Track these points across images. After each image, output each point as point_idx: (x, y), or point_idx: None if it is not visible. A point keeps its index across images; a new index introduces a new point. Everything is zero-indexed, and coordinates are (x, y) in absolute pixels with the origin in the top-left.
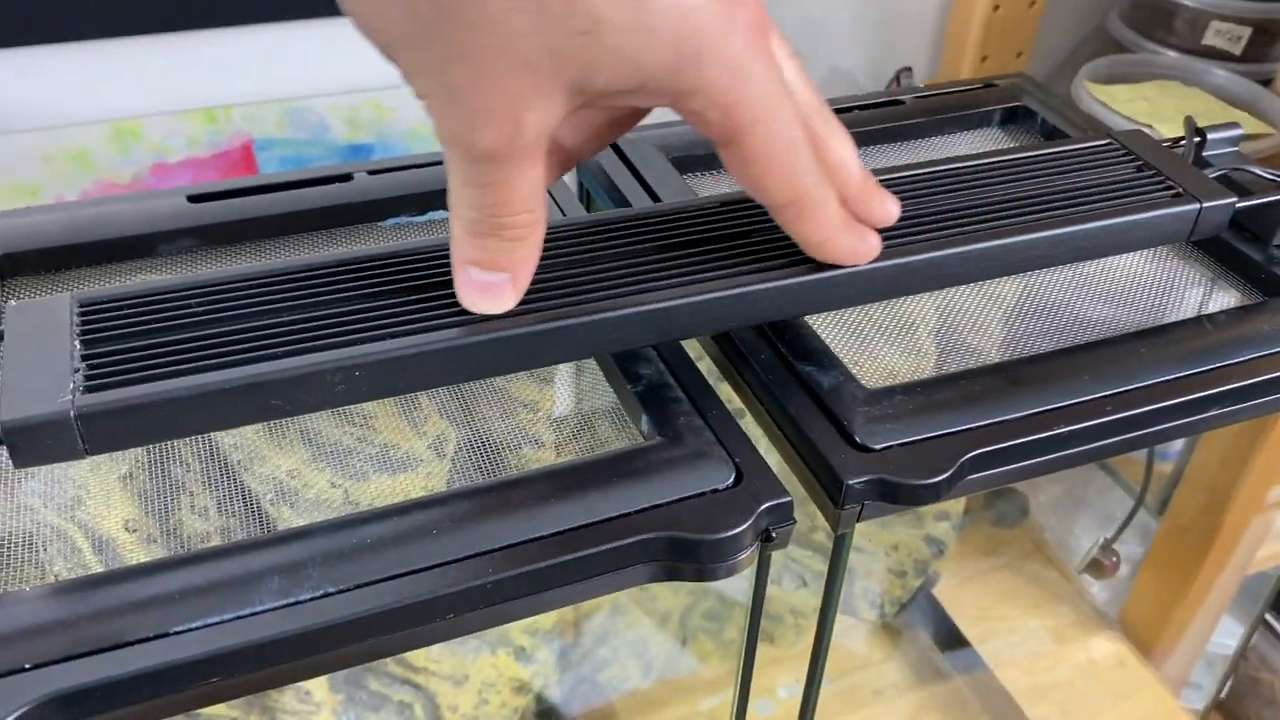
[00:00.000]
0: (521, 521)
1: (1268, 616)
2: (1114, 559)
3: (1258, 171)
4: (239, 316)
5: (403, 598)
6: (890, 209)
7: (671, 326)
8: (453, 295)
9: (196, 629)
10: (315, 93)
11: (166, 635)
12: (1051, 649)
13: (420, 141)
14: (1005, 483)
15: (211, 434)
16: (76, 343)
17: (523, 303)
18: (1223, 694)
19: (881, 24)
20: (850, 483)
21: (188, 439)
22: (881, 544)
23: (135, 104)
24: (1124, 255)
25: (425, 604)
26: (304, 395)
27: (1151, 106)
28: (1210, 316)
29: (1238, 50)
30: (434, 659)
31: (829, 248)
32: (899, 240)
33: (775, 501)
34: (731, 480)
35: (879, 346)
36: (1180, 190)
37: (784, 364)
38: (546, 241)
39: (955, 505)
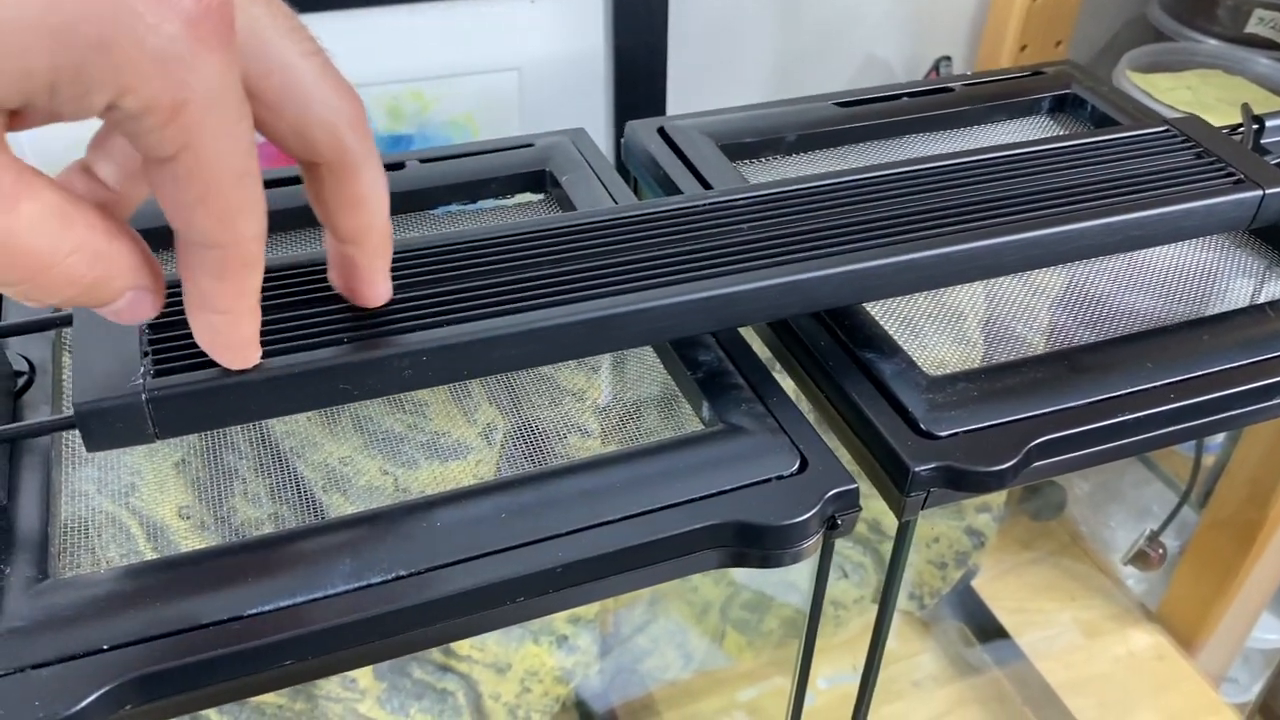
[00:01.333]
0: (589, 505)
1: None
2: (1160, 550)
3: None
4: (304, 302)
5: (474, 581)
6: (387, 293)
7: (730, 313)
8: (518, 280)
9: (270, 611)
10: (357, 83)
11: (241, 618)
12: (1089, 641)
13: (461, 132)
14: (1071, 470)
15: (266, 423)
16: (145, 327)
17: (583, 290)
18: (1251, 688)
19: (918, 13)
20: (917, 470)
21: (242, 425)
22: (922, 536)
23: None
24: (1183, 244)
25: (496, 587)
26: (370, 379)
27: (1195, 95)
28: (1273, 304)
29: None
30: (477, 647)
31: (225, 321)
32: (956, 228)
33: (841, 488)
34: (796, 467)
35: (932, 335)
36: (1242, 177)
37: (844, 351)
38: (604, 229)
39: (997, 497)
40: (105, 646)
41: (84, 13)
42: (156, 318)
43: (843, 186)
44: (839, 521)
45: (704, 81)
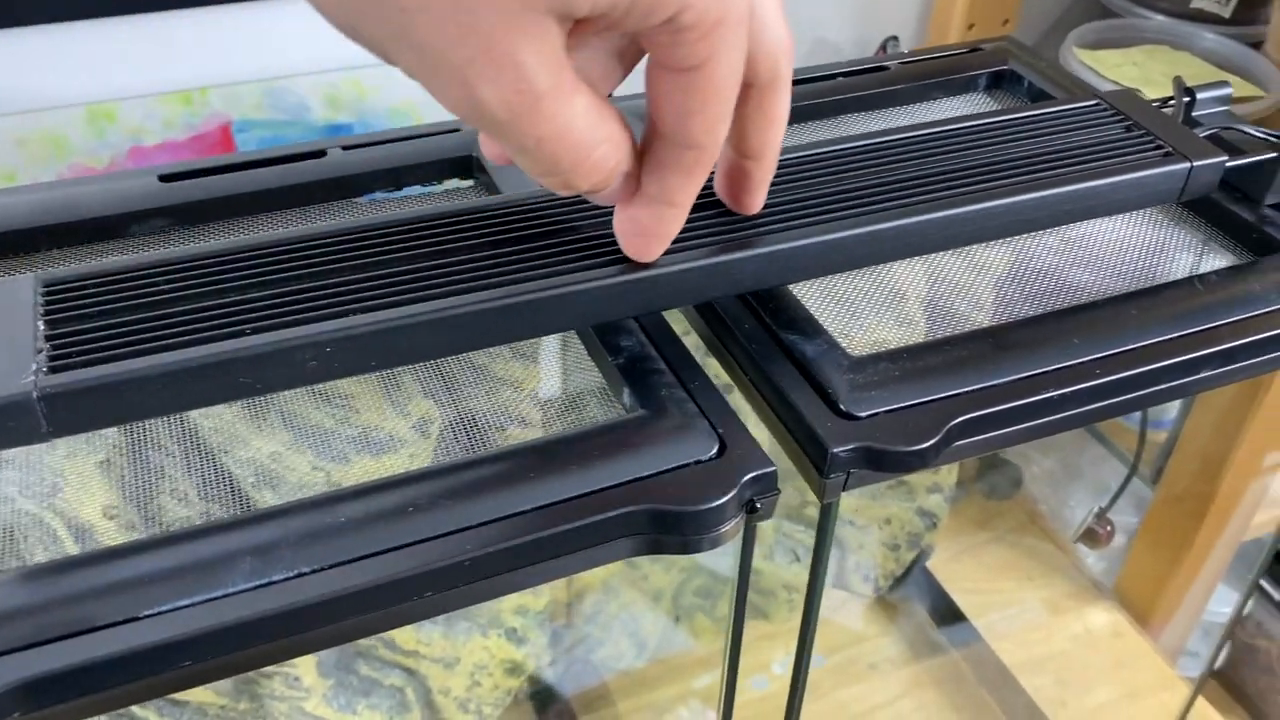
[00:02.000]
0: (500, 497)
1: (1264, 583)
2: (1109, 528)
3: (1248, 130)
4: (206, 294)
5: (378, 576)
6: (759, 205)
7: (649, 297)
8: (428, 267)
9: (165, 612)
10: (294, 72)
11: (136, 619)
12: (1047, 620)
13: (403, 119)
14: (994, 448)
15: (190, 418)
16: (40, 323)
17: (496, 276)
18: (1219, 662)
19: None
20: (836, 451)
21: (166, 423)
22: (874, 518)
23: (111, 87)
24: (1113, 218)
25: (402, 582)
26: (273, 372)
27: (1141, 71)
28: (1201, 277)
29: (1226, 13)
30: (424, 642)
31: (671, 216)
32: (882, 206)
33: (759, 471)
34: (715, 451)
35: (867, 316)
36: (1170, 150)
37: (768, 333)
38: (509, 216)
39: (947, 477)
40: None
41: None
42: (51, 313)
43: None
44: (758, 505)
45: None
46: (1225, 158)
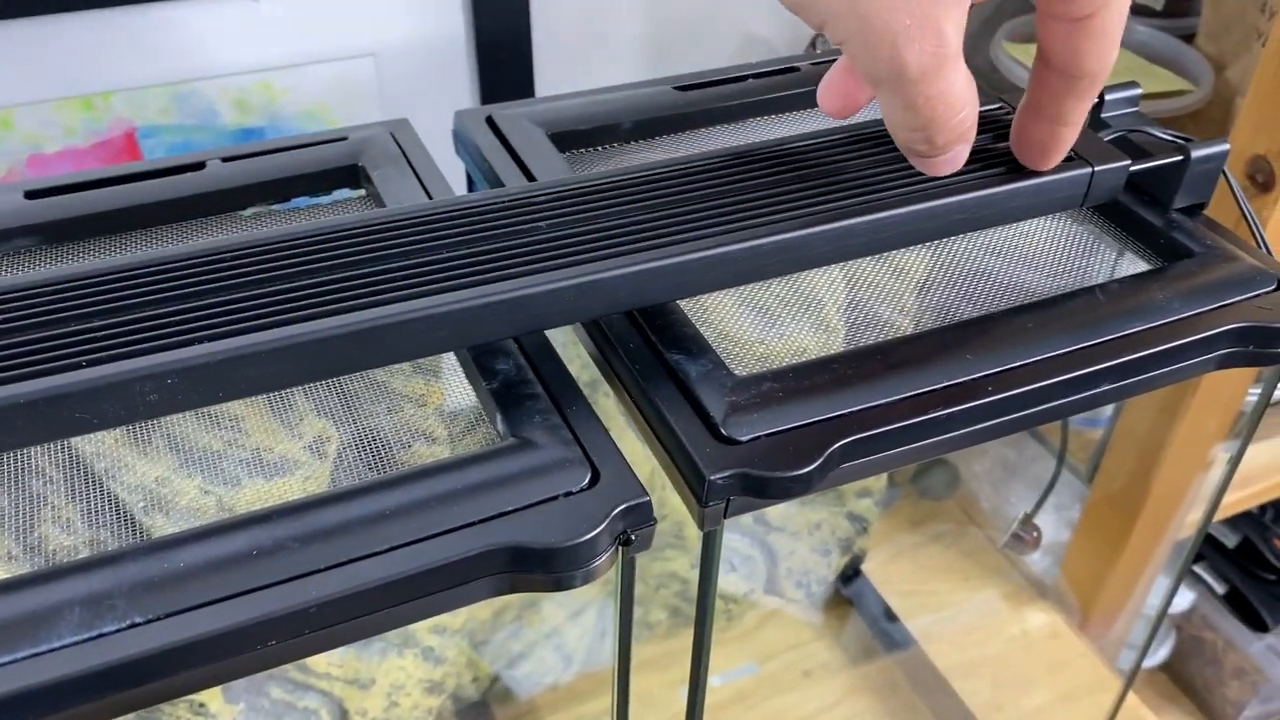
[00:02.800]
0: (353, 536)
1: (1207, 577)
2: (1034, 534)
3: (1155, 133)
4: (37, 325)
5: (216, 626)
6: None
7: (524, 317)
8: (287, 290)
9: None
10: (202, 75)
11: None
12: (983, 622)
13: (316, 123)
14: (880, 470)
15: (71, 442)
16: None
17: (358, 298)
18: (1165, 656)
19: None
20: (713, 478)
21: (45, 449)
22: (803, 524)
23: (5, 93)
24: (1025, 223)
25: (240, 632)
26: (110, 407)
27: None
28: (1104, 286)
29: (1159, 5)
30: (335, 663)
31: (1066, 134)
32: (768, 218)
33: (632, 502)
34: (586, 482)
35: (759, 331)
36: (1072, 155)
37: (653, 352)
38: (391, 230)
39: (877, 481)
40: None
41: None
42: None
43: (650, 178)
44: (633, 537)
45: (575, 63)
46: (1128, 162)
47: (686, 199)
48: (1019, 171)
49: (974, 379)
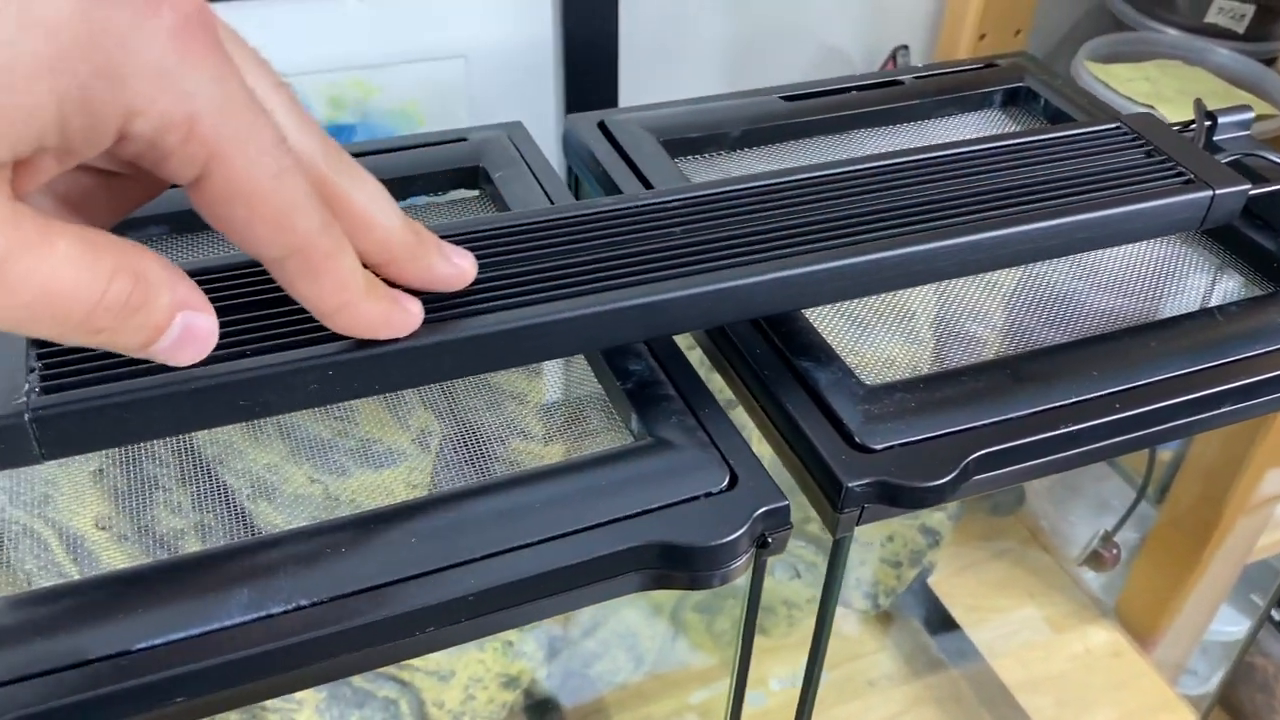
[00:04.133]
0: (505, 528)
1: (1259, 601)
2: (1114, 551)
3: (1271, 157)
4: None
5: (380, 611)
6: (461, 265)
7: (658, 322)
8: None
9: (160, 645)
10: (297, 71)
11: (129, 653)
12: (1047, 639)
13: (406, 121)
14: (1012, 483)
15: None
16: (31, 340)
17: (501, 299)
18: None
19: (876, 1)
20: (851, 485)
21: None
22: (875, 534)
23: None
24: (1137, 244)
25: (403, 618)
26: (273, 396)
27: (1153, 87)
28: (1221, 308)
29: (1241, 29)
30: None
31: (348, 315)
32: (895, 231)
33: (772, 506)
34: (726, 484)
35: (883, 342)
36: (1192, 177)
37: (780, 359)
38: (523, 232)
39: None
40: None
41: (76, 40)
42: None
43: (779, 188)
44: (769, 540)
45: (657, 70)
46: (1248, 186)
47: (814, 209)
48: (1139, 192)
49: (1101, 395)
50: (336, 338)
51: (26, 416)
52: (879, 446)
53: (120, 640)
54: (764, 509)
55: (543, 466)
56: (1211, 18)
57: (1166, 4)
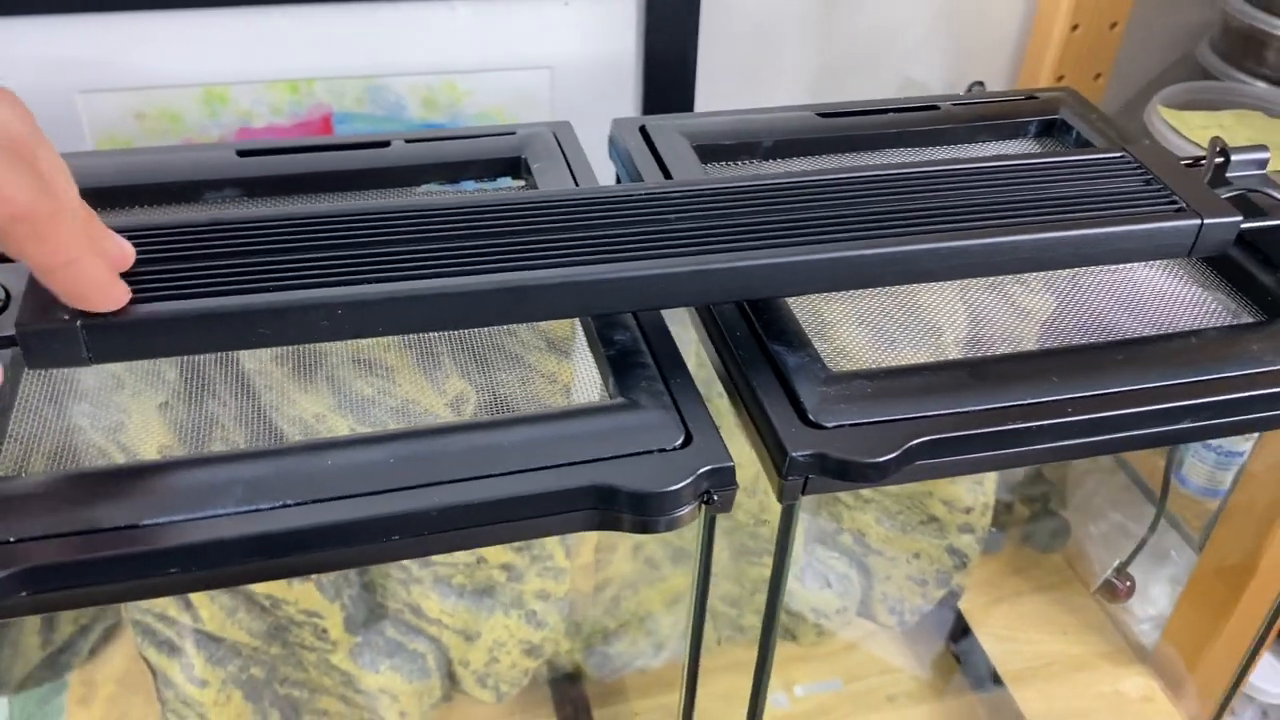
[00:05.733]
0: (476, 460)
1: None
2: (1128, 583)
3: (1275, 194)
4: (242, 253)
5: (353, 514)
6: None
7: (645, 294)
8: (436, 249)
9: (163, 524)
10: (395, 72)
11: (136, 527)
12: (1075, 676)
13: (492, 123)
14: (958, 473)
15: (246, 373)
16: None
17: (506, 262)
18: None
19: (959, 37)
20: (795, 455)
21: (224, 374)
22: (902, 550)
23: (227, 71)
24: (1136, 267)
25: (371, 522)
26: (288, 327)
27: (1225, 134)
28: (1200, 332)
29: None
30: (447, 612)
31: (68, 277)
32: (883, 232)
33: (717, 465)
34: (680, 442)
35: (857, 336)
36: (1184, 205)
37: (757, 342)
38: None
39: (981, 519)
40: (10, 539)
41: None
42: None
43: (776, 188)
44: (714, 497)
45: (737, 92)
46: (1239, 217)
47: (808, 208)
48: (1129, 216)
49: (1056, 400)
50: (350, 283)
51: (79, 324)
52: (829, 424)
53: (130, 516)
54: (709, 467)
55: (519, 414)
56: None
57: (1256, 56)
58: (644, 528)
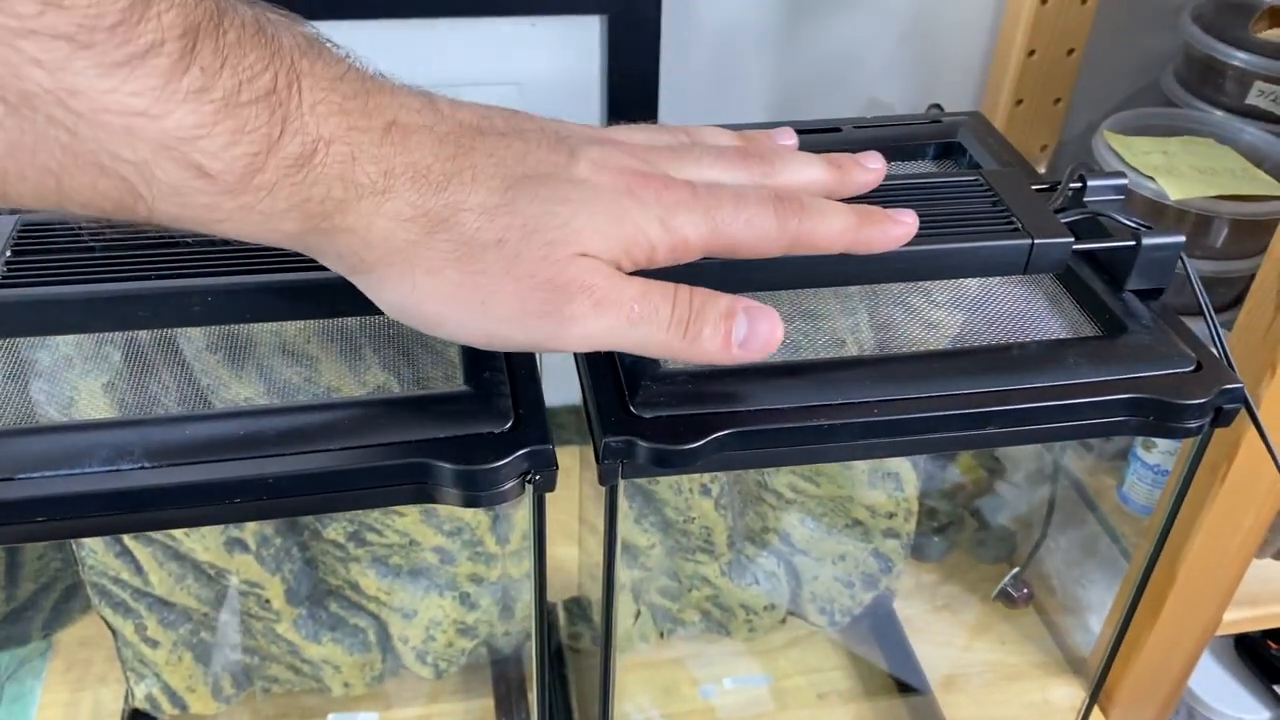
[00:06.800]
0: (313, 435)
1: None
2: (1024, 591)
3: (1118, 218)
4: (134, 247)
5: (199, 477)
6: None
7: None
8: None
9: (35, 478)
10: (458, 83)
11: (10, 480)
12: (1007, 685)
13: None
14: (767, 464)
15: (184, 358)
16: (9, 251)
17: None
18: None
19: (922, 61)
20: (608, 440)
21: (165, 359)
22: (827, 552)
23: None
24: (989, 282)
25: (216, 485)
26: (165, 311)
27: (1168, 160)
28: (1022, 344)
29: (1278, 110)
30: (385, 590)
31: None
32: None
33: (535, 447)
34: (509, 426)
35: None
36: (1019, 227)
37: None
38: None
39: (904, 525)
40: None
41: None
42: (19, 244)
43: None
44: (536, 476)
45: (701, 109)
46: (1071, 239)
47: None
48: (965, 234)
49: (864, 401)
50: (223, 274)
51: None
52: (647, 415)
53: (6, 469)
54: (529, 449)
55: (366, 396)
56: (1252, 99)
57: (1215, 85)
58: (469, 502)
